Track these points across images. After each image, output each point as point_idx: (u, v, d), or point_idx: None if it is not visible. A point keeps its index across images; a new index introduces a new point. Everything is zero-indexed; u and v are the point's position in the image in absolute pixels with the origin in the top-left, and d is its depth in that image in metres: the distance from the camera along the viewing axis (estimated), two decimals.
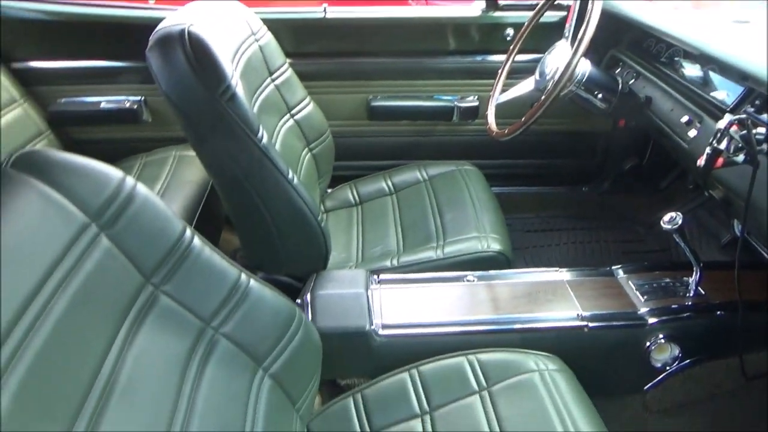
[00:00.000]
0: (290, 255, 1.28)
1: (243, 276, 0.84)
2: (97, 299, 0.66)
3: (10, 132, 1.55)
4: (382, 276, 1.23)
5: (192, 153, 1.72)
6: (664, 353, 1.10)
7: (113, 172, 0.74)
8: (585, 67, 1.25)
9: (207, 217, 1.61)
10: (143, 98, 1.75)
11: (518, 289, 1.18)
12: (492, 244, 1.30)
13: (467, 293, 1.17)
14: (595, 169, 1.94)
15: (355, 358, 1.12)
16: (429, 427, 0.91)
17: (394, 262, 1.31)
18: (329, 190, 1.72)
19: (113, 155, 1.79)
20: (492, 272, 1.23)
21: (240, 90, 1.11)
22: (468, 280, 1.20)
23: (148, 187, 1.57)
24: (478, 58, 1.72)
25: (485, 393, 0.94)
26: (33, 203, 0.63)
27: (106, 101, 1.72)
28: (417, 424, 0.93)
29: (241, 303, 0.83)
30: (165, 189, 1.57)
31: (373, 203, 1.62)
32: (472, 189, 1.54)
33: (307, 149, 1.52)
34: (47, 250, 0.62)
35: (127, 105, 1.72)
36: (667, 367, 1.11)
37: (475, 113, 1.76)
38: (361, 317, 1.10)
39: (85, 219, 0.68)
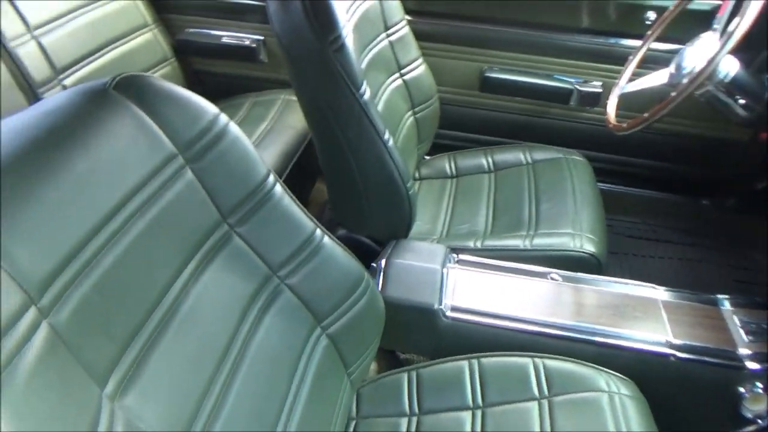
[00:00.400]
0: (373, 217, 1.26)
1: (318, 231, 0.83)
2: (172, 230, 0.67)
3: (138, 54, 1.63)
4: (462, 256, 1.18)
5: None
6: (759, 404, 0.98)
7: (208, 107, 0.74)
8: (730, 67, 1.09)
9: (304, 164, 1.63)
10: (263, 38, 1.77)
11: (605, 298, 1.09)
12: (585, 244, 1.21)
13: (548, 292, 1.09)
14: (721, 183, 1.74)
15: (418, 335, 1.09)
16: (478, 423, 0.87)
17: (478, 243, 1.25)
18: (427, 157, 1.67)
19: (227, 90, 1.85)
20: (580, 275, 1.14)
21: (350, 42, 1.08)
22: (552, 278, 1.13)
23: (253, 127, 1.62)
24: (611, 40, 1.57)
25: (545, 402, 0.88)
26: (127, 126, 0.65)
27: (228, 36, 1.76)
28: (467, 416, 0.89)
29: (311, 258, 0.82)
30: (268, 131, 1.60)
31: (470, 179, 1.55)
32: (576, 181, 1.43)
33: (411, 112, 1.48)
34: (133, 173, 0.64)
35: (247, 43, 1.75)
36: (759, 420, 0.99)
37: (595, 100, 1.62)
38: (432, 294, 1.06)
39: (173, 149, 0.69)
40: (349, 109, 1.10)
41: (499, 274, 1.14)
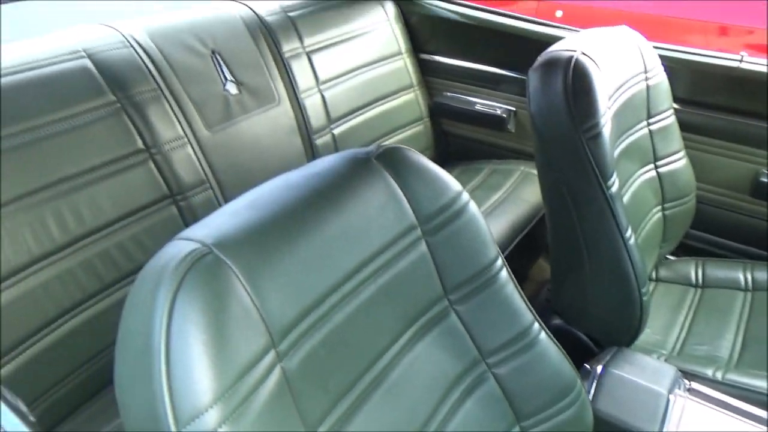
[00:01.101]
0: (597, 315, 1.17)
1: (535, 325, 0.79)
2: (397, 297, 0.70)
3: (398, 112, 1.78)
4: (696, 385, 1.02)
5: None
6: None
7: (453, 184, 0.77)
8: None
9: (530, 238, 1.59)
10: (515, 110, 1.80)
11: None
12: None
13: None
14: None
15: None
16: None
17: (718, 374, 1.07)
18: (671, 258, 1.51)
19: (469, 153, 1.91)
20: None
21: (607, 130, 1.04)
22: None
23: (488, 194, 1.64)
24: None
25: None
26: (380, 195, 0.70)
27: (481, 104, 1.83)
28: None
29: (524, 351, 0.78)
30: (502, 201, 1.61)
31: (718, 292, 1.35)
32: None
33: (659, 207, 1.35)
34: (376, 239, 0.68)
35: (498, 112, 1.80)
36: None
37: None
38: (651, 422, 0.93)
39: (414, 221, 0.72)
40: (593, 198, 1.05)
41: (741, 420, 0.95)
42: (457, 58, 1.85)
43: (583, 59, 1.05)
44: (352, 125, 1.59)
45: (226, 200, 1.24)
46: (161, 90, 1.15)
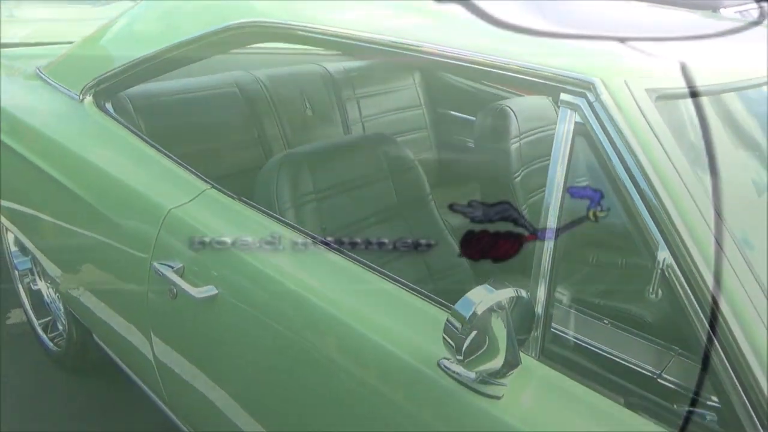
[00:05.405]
0: None
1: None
2: (375, 197, 1.55)
3: (411, 146, 2.65)
4: None
5: None
6: None
7: (412, 156, 1.63)
8: None
9: None
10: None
11: None
12: None
13: None
14: None
15: None
16: None
17: None
18: None
19: None
20: None
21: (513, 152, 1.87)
22: None
23: None
24: None
25: None
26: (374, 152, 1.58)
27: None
28: None
29: None
30: None
31: None
32: None
33: None
34: (372, 167, 1.55)
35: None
36: None
37: None
38: None
39: (387, 168, 1.59)
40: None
41: None
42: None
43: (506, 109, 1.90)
44: None
45: None
46: (272, 110, 2.08)
